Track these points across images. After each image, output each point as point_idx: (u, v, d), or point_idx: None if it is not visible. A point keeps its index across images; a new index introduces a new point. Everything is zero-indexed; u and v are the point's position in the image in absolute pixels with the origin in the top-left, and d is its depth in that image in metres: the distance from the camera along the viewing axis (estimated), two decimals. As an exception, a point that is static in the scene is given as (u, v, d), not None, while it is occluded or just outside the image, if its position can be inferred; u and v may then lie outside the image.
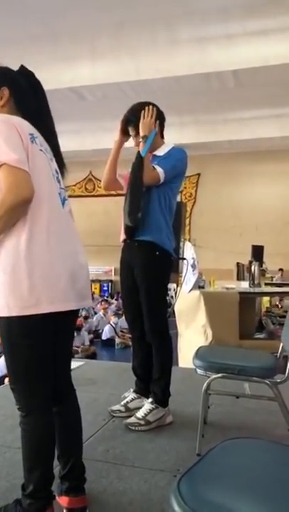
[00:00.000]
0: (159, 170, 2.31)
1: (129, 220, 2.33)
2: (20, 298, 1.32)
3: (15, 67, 1.58)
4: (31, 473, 1.41)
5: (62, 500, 1.53)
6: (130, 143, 2.53)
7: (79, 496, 1.52)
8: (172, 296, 9.94)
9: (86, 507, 1.53)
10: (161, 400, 2.38)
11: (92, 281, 10.74)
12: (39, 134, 1.48)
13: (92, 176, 15.42)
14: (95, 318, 11.33)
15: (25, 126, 1.41)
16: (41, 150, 1.44)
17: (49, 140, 1.53)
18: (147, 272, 2.35)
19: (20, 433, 1.43)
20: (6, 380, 6.35)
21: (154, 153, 2.42)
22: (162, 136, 2.50)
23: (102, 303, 12.20)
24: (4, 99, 1.49)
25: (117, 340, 10.08)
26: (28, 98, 1.52)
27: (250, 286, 5.41)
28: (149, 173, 2.30)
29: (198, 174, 14.62)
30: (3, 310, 1.34)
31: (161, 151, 2.42)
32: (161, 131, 2.48)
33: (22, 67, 1.56)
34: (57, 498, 1.53)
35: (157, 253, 2.33)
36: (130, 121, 2.46)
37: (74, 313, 1.54)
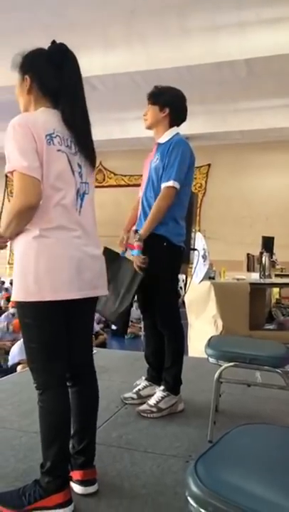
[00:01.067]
0: (169, 183, 2.29)
1: (114, 317, 2.41)
2: (27, 286, 1.45)
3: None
4: (49, 449, 1.48)
5: (76, 475, 1.62)
6: (145, 132, 2.53)
7: (91, 468, 1.64)
8: (181, 287, 9.97)
9: (96, 478, 1.65)
10: (173, 387, 2.42)
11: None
12: (62, 127, 1.50)
13: (102, 166, 15.40)
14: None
15: (42, 127, 1.45)
16: (59, 150, 1.48)
17: (70, 125, 1.52)
18: (156, 264, 2.37)
19: (38, 411, 1.52)
20: (19, 367, 6.46)
21: (158, 141, 2.44)
22: (171, 124, 2.45)
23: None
24: (28, 87, 1.55)
25: (129, 330, 10.14)
26: (48, 79, 1.53)
27: (260, 277, 5.42)
28: (164, 202, 2.28)
29: (209, 165, 14.54)
30: (15, 295, 1.49)
31: (163, 138, 2.42)
32: (173, 118, 2.44)
33: (52, 42, 1.56)
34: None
35: (165, 244, 2.35)
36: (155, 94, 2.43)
37: (89, 301, 1.60)
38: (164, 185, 2.31)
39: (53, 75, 1.53)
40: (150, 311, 2.50)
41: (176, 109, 2.44)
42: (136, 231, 2.42)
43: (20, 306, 1.51)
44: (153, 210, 2.32)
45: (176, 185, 2.30)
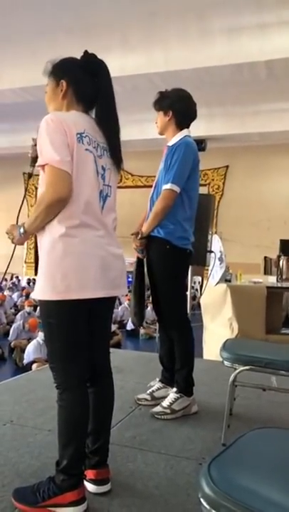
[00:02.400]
0: (167, 186, 2.30)
1: (135, 319, 2.61)
2: (53, 284, 1.45)
3: (47, 60, 1.63)
4: (66, 448, 1.50)
5: (89, 474, 1.63)
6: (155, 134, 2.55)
7: (105, 468, 1.65)
8: (197, 289, 9.93)
9: (109, 477, 1.66)
10: (185, 389, 2.42)
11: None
12: (92, 129, 1.54)
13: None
14: (120, 309, 11.44)
15: (73, 125, 1.48)
16: (87, 150, 1.51)
17: (105, 128, 1.58)
18: (158, 267, 2.40)
19: (57, 410, 1.53)
20: (34, 365, 6.53)
21: (167, 144, 2.45)
22: (178, 126, 2.44)
23: (128, 293, 12.28)
24: (63, 92, 1.58)
25: (142, 331, 10.16)
26: (84, 86, 1.58)
27: (277, 281, 5.36)
28: (161, 205, 2.30)
29: (227, 166, 14.47)
30: (39, 293, 1.48)
31: (172, 141, 2.42)
32: (178, 120, 2.43)
33: (84, 53, 1.61)
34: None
35: (168, 247, 2.35)
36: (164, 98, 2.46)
37: (110, 300, 1.62)
38: (163, 187, 2.33)
39: (89, 82, 1.58)
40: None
41: (179, 110, 2.44)
42: (138, 233, 2.44)
43: (45, 304, 1.50)
44: (152, 211, 2.36)
45: (175, 187, 2.30)
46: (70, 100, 1.59)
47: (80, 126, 1.50)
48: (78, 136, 1.48)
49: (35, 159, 1.64)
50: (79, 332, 1.52)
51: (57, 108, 1.61)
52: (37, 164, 1.49)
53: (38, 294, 1.49)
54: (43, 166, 1.46)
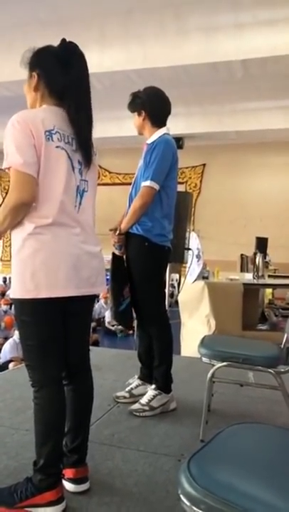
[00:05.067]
0: (146, 183, 2.30)
1: (112, 314, 2.59)
2: (23, 283, 1.45)
3: (22, 53, 1.59)
4: (43, 447, 1.48)
5: (68, 473, 1.62)
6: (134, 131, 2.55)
7: (83, 466, 1.64)
8: (175, 287, 9.97)
9: (88, 476, 1.65)
10: (163, 386, 2.43)
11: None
12: (64, 124, 1.50)
13: (98, 164, 15.34)
14: (97, 306, 11.40)
15: (41, 124, 1.45)
16: (58, 147, 1.48)
17: (78, 120, 1.52)
18: (137, 264, 2.41)
19: (33, 408, 1.52)
20: (11, 365, 6.44)
21: (147, 142, 2.44)
22: (154, 124, 2.43)
23: (104, 291, 12.24)
24: (34, 82, 1.55)
25: (118, 327, 10.14)
26: (56, 77, 1.53)
27: (253, 278, 5.44)
28: (140, 202, 2.30)
29: (204, 164, 14.55)
30: (12, 292, 1.49)
31: (151, 139, 2.42)
32: (152, 118, 2.43)
33: (62, 40, 1.55)
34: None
35: (146, 244, 2.36)
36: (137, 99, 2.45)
37: (86, 299, 1.60)
38: (142, 184, 2.33)
39: (60, 73, 1.53)
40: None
41: (152, 108, 2.43)
42: (116, 229, 2.43)
43: (18, 303, 1.50)
44: (130, 208, 2.36)
45: (154, 184, 2.30)
46: (42, 93, 1.55)
47: (48, 123, 1.47)
48: (47, 134, 1.45)
49: None
50: (53, 330, 1.51)
51: (31, 102, 1.58)
52: (2, 167, 1.47)
53: (11, 292, 1.51)
54: (8, 169, 1.45)
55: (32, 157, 1.42)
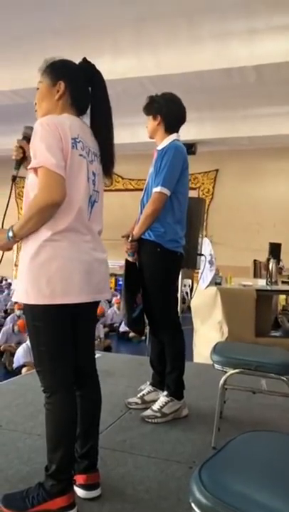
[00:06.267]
0: (157, 189, 2.31)
1: (125, 320, 2.58)
2: (38, 288, 1.44)
3: (37, 62, 1.62)
4: (54, 452, 1.49)
5: (79, 479, 1.62)
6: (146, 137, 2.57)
7: (95, 472, 1.64)
8: (187, 292, 9.94)
9: (99, 482, 1.64)
10: (175, 392, 2.42)
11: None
12: (85, 135, 1.55)
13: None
14: (109, 311, 11.41)
15: (68, 130, 1.48)
16: (81, 155, 1.51)
17: (100, 135, 1.61)
18: (149, 270, 2.41)
19: (45, 414, 1.52)
20: (24, 369, 6.48)
21: (157, 148, 2.46)
22: (167, 129, 2.45)
23: (118, 297, 12.28)
24: (60, 93, 1.57)
25: (131, 334, 10.13)
26: (83, 93, 1.59)
27: (267, 284, 5.39)
28: (151, 208, 2.31)
29: (217, 170, 14.53)
30: (23, 296, 1.47)
31: (161, 145, 2.44)
32: (166, 124, 2.44)
33: (83, 59, 1.62)
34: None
35: (159, 250, 2.36)
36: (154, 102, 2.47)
37: (93, 304, 1.63)
38: (153, 190, 2.34)
39: (85, 88, 1.59)
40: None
41: (168, 114, 2.44)
42: (128, 235, 2.44)
43: (30, 308, 1.49)
44: (142, 214, 2.37)
45: (165, 190, 2.31)
46: (64, 102, 1.58)
47: (74, 131, 1.50)
48: (73, 141, 1.48)
49: (19, 161, 1.63)
50: (64, 335, 1.52)
51: (49, 108, 1.58)
52: (29, 167, 1.47)
53: (23, 297, 1.47)
54: (35, 169, 1.44)
55: (62, 160, 1.44)
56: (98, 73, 1.61)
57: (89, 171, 1.55)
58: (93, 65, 1.61)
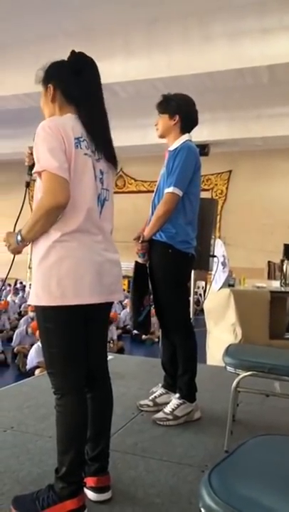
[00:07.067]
0: (169, 190, 2.29)
1: (134, 326, 2.59)
2: (49, 289, 1.44)
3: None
4: (65, 454, 1.48)
5: (89, 481, 1.60)
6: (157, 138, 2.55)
7: (105, 475, 1.62)
8: (201, 294, 9.90)
9: (110, 485, 1.63)
10: (187, 395, 2.39)
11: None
12: (88, 133, 1.51)
13: (123, 172, 15.48)
14: (122, 314, 11.42)
15: (71, 130, 1.47)
16: (86, 154, 1.50)
17: (92, 128, 1.53)
18: (161, 271, 2.39)
19: (56, 416, 1.51)
20: (37, 371, 6.51)
21: (169, 148, 2.44)
22: (183, 130, 2.43)
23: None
24: (51, 95, 1.58)
25: (144, 336, 10.12)
26: (70, 87, 1.56)
27: (281, 286, 5.33)
28: (164, 208, 2.29)
29: (230, 171, 14.47)
30: (33, 299, 1.47)
31: (173, 146, 2.41)
32: (184, 124, 2.42)
33: (71, 52, 1.58)
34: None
35: (170, 251, 2.34)
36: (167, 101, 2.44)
37: (106, 305, 1.61)
38: (165, 191, 2.32)
39: (74, 82, 1.55)
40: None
41: (186, 115, 2.43)
42: (139, 237, 2.43)
43: (42, 310, 1.49)
44: (154, 215, 2.35)
45: (177, 191, 2.29)
46: (60, 103, 1.57)
47: (77, 130, 1.49)
48: (76, 141, 1.47)
49: (32, 167, 1.63)
50: (76, 337, 1.51)
51: (51, 113, 1.60)
52: (34, 171, 1.48)
53: (34, 299, 1.48)
54: (40, 173, 1.45)
55: (65, 162, 1.43)
56: (87, 61, 1.56)
57: (96, 170, 1.54)
58: (81, 55, 1.57)
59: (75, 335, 1.50)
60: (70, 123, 1.50)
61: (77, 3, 6.31)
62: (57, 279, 1.44)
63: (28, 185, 1.69)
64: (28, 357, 7.45)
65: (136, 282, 2.50)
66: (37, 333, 8.12)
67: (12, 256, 1.60)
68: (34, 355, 7.29)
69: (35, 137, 1.47)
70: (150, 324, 2.55)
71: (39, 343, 7.26)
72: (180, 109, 2.42)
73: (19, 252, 1.56)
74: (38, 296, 1.47)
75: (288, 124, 10.86)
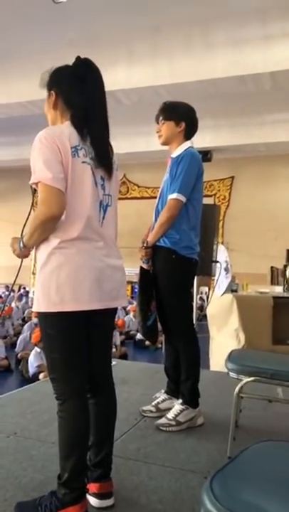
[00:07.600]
0: (173, 196, 2.30)
1: (140, 328, 2.59)
2: (49, 296, 1.46)
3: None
4: (67, 460, 1.48)
5: (92, 487, 1.60)
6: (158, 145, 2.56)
7: (108, 481, 1.61)
8: (204, 300, 9.88)
9: (112, 491, 1.62)
10: (190, 400, 2.39)
11: (125, 282, 10.90)
12: (86, 141, 1.52)
13: (126, 178, 15.52)
14: (126, 319, 11.40)
15: (67, 140, 1.47)
16: (84, 162, 1.50)
17: (93, 135, 1.53)
18: (164, 276, 2.40)
19: (58, 421, 1.52)
20: (41, 375, 6.51)
21: (171, 155, 2.45)
22: (186, 137, 2.45)
23: (134, 304, 12.28)
24: (53, 102, 1.59)
25: (148, 342, 10.09)
26: (71, 94, 1.56)
27: (284, 291, 5.32)
28: (167, 214, 2.30)
29: (233, 177, 14.48)
30: (36, 305, 1.50)
31: (175, 153, 2.43)
32: (188, 131, 2.45)
33: (76, 58, 1.58)
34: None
35: (174, 257, 2.35)
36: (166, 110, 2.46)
37: (110, 312, 1.61)
38: (169, 197, 2.33)
39: (77, 89, 1.55)
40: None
41: (190, 122, 2.46)
42: (142, 243, 2.44)
43: (43, 316, 1.52)
44: (158, 221, 2.37)
45: (181, 197, 2.30)
46: (62, 110, 1.58)
47: (74, 139, 1.50)
48: (73, 150, 1.48)
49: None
50: (77, 343, 1.52)
51: (52, 119, 1.61)
52: (30, 182, 1.49)
53: (35, 305, 1.52)
54: (36, 184, 1.47)
55: (60, 172, 1.45)
56: (91, 68, 1.55)
57: (96, 176, 1.55)
58: (85, 60, 1.56)
59: (76, 341, 1.51)
60: (67, 132, 1.50)
61: (80, 12, 6.37)
62: (56, 286, 1.46)
63: (34, 192, 1.71)
64: (28, 362, 7.46)
65: (142, 288, 2.50)
66: (35, 341, 8.17)
67: (19, 260, 1.63)
68: (33, 360, 7.34)
69: (32, 148, 1.48)
70: (158, 331, 2.54)
71: (37, 348, 7.32)
72: (187, 116, 2.45)
73: (26, 256, 1.59)
74: (38, 303, 1.49)
75: (291, 130, 10.88)
